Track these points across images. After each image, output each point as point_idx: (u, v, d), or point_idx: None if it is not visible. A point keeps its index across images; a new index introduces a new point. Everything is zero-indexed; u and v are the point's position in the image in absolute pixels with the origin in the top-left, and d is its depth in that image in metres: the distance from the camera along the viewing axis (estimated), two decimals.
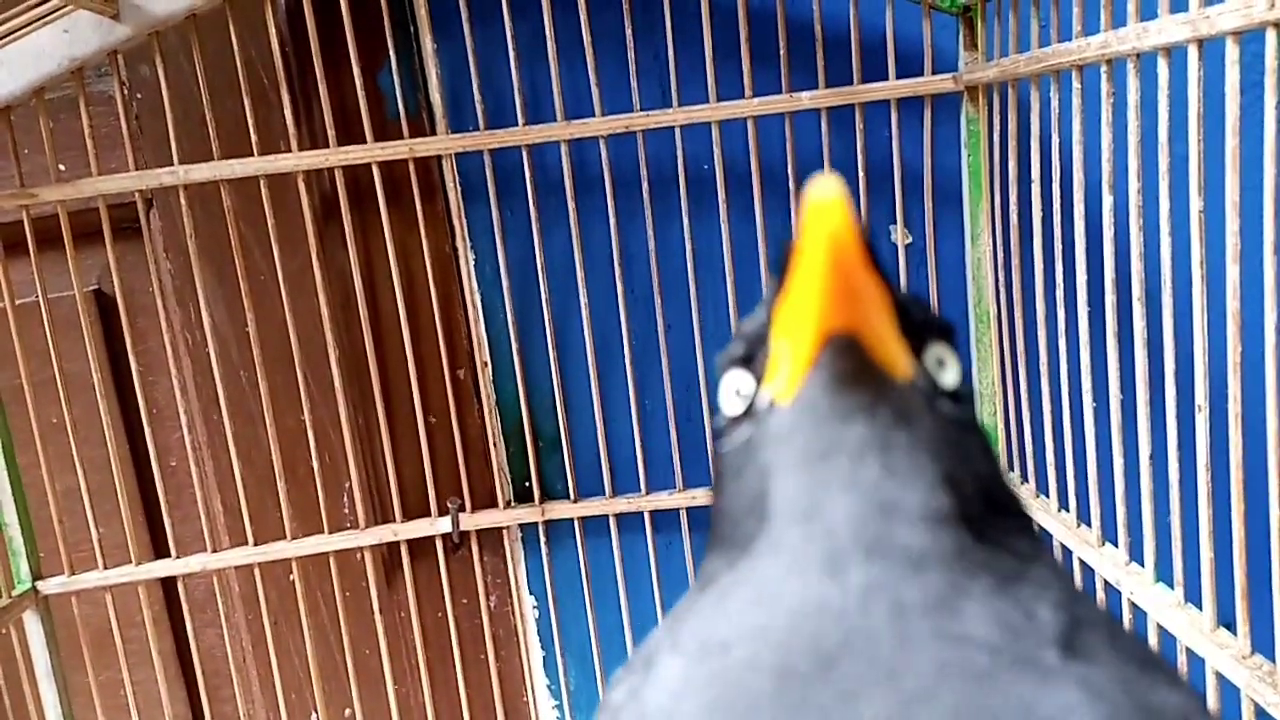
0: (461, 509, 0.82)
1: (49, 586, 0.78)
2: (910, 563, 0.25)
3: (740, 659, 0.25)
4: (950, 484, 0.26)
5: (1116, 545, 0.61)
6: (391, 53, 0.79)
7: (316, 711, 0.83)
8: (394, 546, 0.83)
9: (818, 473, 0.26)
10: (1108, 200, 0.57)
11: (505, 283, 0.81)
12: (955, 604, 0.25)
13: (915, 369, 0.27)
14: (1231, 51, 0.45)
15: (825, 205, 0.25)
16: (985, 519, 0.26)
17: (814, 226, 0.24)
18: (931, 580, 0.25)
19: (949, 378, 0.29)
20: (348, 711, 0.85)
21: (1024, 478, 0.75)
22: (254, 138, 0.75)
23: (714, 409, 0.31)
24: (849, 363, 0.26)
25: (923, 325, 0.29)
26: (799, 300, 0.26)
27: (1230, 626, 0.51)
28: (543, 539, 0.85)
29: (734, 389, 0.30)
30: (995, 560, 0.26)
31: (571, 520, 0.84)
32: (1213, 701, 0.52)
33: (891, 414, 0.26)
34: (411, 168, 0.78)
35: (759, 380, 0.29)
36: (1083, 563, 0.64)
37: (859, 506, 0.25)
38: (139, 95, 0.81)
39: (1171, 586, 0.56)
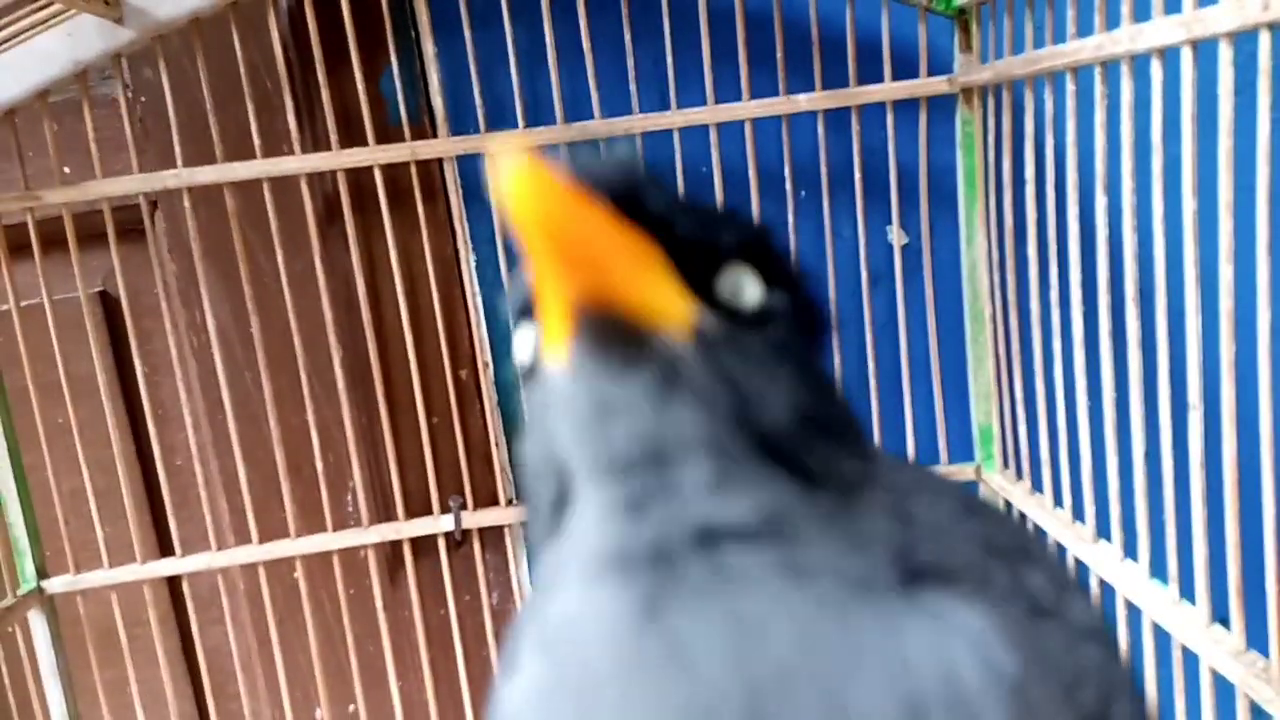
0: (464, 507, 0.82)
1: (54, 586, 0.78)
2: (701, 512, 0.25)
3: (577, 657, 0.25)
4: (741, 422, 0.25)
5: (1110, 541, 0.61)
6: (393, 56, 0.78)
7: (320, 707, 0.83)
8: (397, 545, 0.82)
9: (594, 438, 0.25)
10: (1102, 201, 0.57)
11: (506, 284, 0.81)
12: (764, 539, 0.25)
13: (694, 307, 0.26)
14: (1225, 53, 0.45)
15: (524, 179, 0.23)
16: (805, 447, 0.26)
17: (520, 201, 0.23)
18: (731, 522, 0.25)
19: (747, 299, 0.27)
20: (351, 708, 0.85)
21: (1019, 474, 0.75)
22: (257, 141, 0.75)
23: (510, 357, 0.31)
24: (601, 326, 0.25)
25: (713, 249, 0.27)
26: (538, 271, 0.25)
27: (1225, 623, 0.51)
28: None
29: (523, 340, 0.29)
30: (811, 489, 0.26)
31: None
32: (1208, 699, 0.52)
33: (654, 368, 0.25)
34: (413, 170, 0.77)
35: (539, 333, 0.28)
36: (1078, 559, 0.64)
37: (640, 454, 0.25)
38: (143, 98, 0.80)
39: (1166, 583, 0.56)
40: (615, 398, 0.25)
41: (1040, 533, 0.70)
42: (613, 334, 0.25)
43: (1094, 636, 0.28)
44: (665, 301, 0.26)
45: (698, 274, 0.27)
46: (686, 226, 0.27)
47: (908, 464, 0.33)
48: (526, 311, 0.29)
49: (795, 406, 0.26)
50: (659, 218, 0.26)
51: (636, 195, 0.26)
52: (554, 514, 0.27)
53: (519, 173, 0.23)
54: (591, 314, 0.25)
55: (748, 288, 0.27)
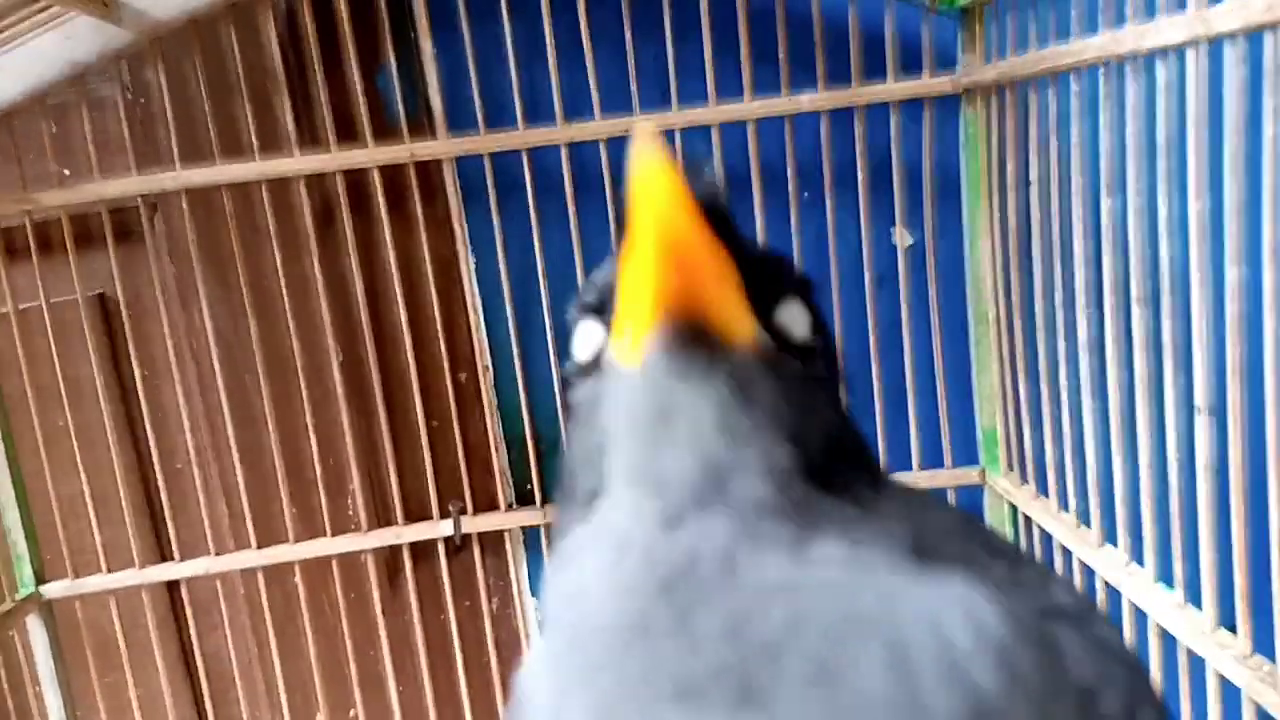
0: (463, 512, 0.82)
1: (52, 591, 0.78)
2: (746, 514, 0.26)
3: (589, 623, 0.27)
4: (789, 440, 0.27)
5: (1116, 546, 0.60)
6: (391, 55, 0.78)
7: (321, 713, 0.83)
8: (396, 549, 0.82)
9: (654, 436, 0.27)
10: (1107, 202, 0.57)
11: (506, 286, 0.80)
12: (795, 546, 0.26)
13: (758, 330, 0.28)
14: (1231, 53, 0.45)
15: (653, 174, 0.25)
16: (831, 469, 0.28)
17: (645, 197, 0.25)
18: (767, 527, 0.26)
19: (798, 333, 0.29)
20: (352, 713, 0.85)
21: (1024, 479, 0.75)
22: (254, 141, 0.75)
23: (566, 354, 0.31)
24: (684, 331, 0.26)
25: (774, 283, 0.29)
26: (637, 269, 0.26)
27: (1231, 628, 0.50)
28: (544, 541, 0.85)
29: (586, 337, 0.31)
30: (838, 507, 0.27)
31: None
32: (1214, 703, 0.52)
33: (727, 378, 0.26)
34: (412, 171, 0.77)
35: (608, 332, 0.29)
36: (1083, 564, 0.64)
37: (694, 465, 0.26)
38: (140, 100, 0.80)
39: (1172, 587, 0.55)
40: (682, 402, 0.26)
41: (1045, 538, 0.70)
42: (693, 340, 0.26)
43: (1119, 653, 0.29)
44: (741, 320, 0.27)
45: (762, 301, 0.29)
46: (756, 256, 0.29)
47: (916, 491, 0.35)
48: (596, 309, 0.30)
49: (830, 433, 0.28)
50: (737, 243, 0.28)
51: (723, 219, 0.28)
52: (588, 503, 0.29)
53: (653, 164, 0.25)
54: (677, 318, 0.26)
55: (800, 322, 0.30)
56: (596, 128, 0.76)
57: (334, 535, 0.81)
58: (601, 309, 0.30)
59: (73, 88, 0.72)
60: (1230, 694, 0.51)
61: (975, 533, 0.31)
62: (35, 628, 0.77)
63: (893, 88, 0.76)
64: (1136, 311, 0.55)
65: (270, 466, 0.79)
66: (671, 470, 0.26)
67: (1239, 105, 0.45)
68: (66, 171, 0.76)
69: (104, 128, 0.76)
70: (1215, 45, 0.46)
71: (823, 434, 0.28)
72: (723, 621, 0.25)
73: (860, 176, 0.77)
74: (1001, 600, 0.26)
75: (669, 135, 0.77)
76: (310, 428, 0.79)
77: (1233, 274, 0.46)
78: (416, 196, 0.77)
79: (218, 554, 0.80)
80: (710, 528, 0.26)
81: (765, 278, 0.29)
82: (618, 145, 0.78)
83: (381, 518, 0.84)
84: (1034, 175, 0.67)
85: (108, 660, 0.79)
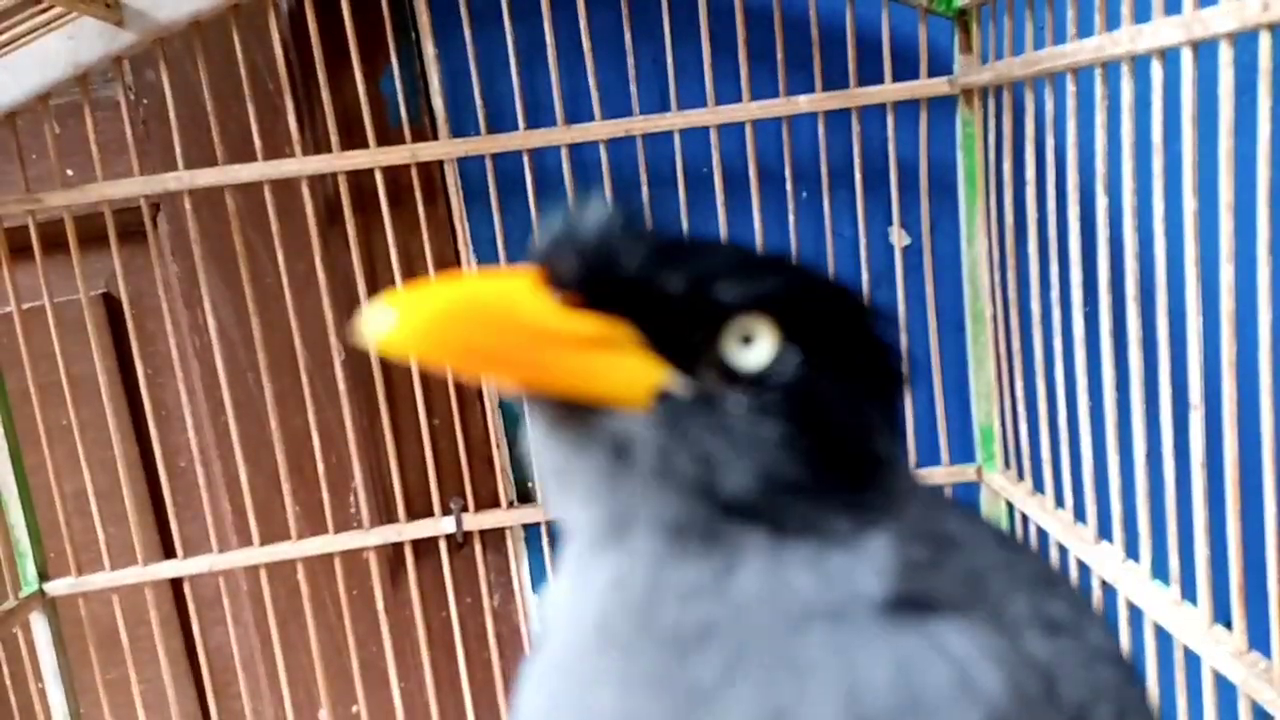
0: (465, 509, 0.82)
1: (56, 588, 0.78)
2: (647, 561, 0.27)
3: (551, 656, 0.29)
4: (700, 489, 0.26)
5: (1112, 542, 0.61)
6: (393, 58, 0.78)
7: (324, 708, 0.83)
8: (399, 546, 0.82)
9: (561, 494, 0.29)
10: (1102, 201, 0.57)
11: None
12: (695, 592, 0.27)
13: (663, 376, 0.26)
14: (1225, 53, 0.45)
15: (396, 325, 0.25)
16: (777, 504, 0.27)
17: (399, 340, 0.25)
18: (668, 574, 0.27)
19: (750, 360, 0.27)
20: (354, 708, 0.85)
21: (1020, 475, 0.75)
22: (258, 143, 0.75)
23: None
24: (550, 408, 0.27)
25: (710, 307, 0.26)
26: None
27: (1227, 624, 0.51)
28: (545, 539, 0.85)
29: None
30: (777, 542, 0.27)
31: None
32: (1209, 699, 0.52)
33: (605, 446, 0.27)
34: (414, 172, 0.77)
35: None
36: (1080, 561, 0.64)
37: (591, 520, 0.28)
38: (144, 101, 0.80)
39: (1167, 583, 0.55)
40: (572, 470, 0.27)
41: (1041, 535, 0.70)
42: (561, 414, 0.27)
43: (1111, 658, 0.29)
44: (617, 378, 0.26)
45: (685, 335, 0.26)
46: (677, 284, 0.26)
47: (943, 499, 0.34)
48: None
49: (772, 466, 0.26)
50: (635, 282, 0.26)
51: (605, 262, 0.26)
52: None
53: (390, 321, 0.25)
54: (538, 398, 0.27)
55: (757, 344, 0.27)
56: (597, 129, 0.77)
57: (337, 532, 0.81)
58: None
59: (77, 89, 0.73)
60: (1226, 690, 0.51)
61: (1003, 555, 0.30)
62: (39, 625, 0.77)
63: (889, 89, 0.76)
64: (1131, 309, 0.55)
65: (273, 463, 0.79)
66: (578, 522, 0.28)
67: (1232, 106, 0.45)
68: (70, 172, 0.76)
69: (108, 128, 0.76)
70: (1209, 46, 0.46)
71: (761, 469, 0.26)
72: (645, 668, 0.26)
73: (857, 177, 0.77)
74: (1004, 654, 0.26)
75: (668, 137, 0.77)
76: (313, 425, 0.79)
77: (1226, 272, 0.46)
78: (419, 197, 0.78)
79: (222, 551, 0.80)
80: (616, 576, 0.27)
81: (698, 306, 0.26)
82: (618, 147, 0.78)
83: (384, 515, 0.84)
84: (1029, 175, 0.67)
85: (111, 656, 0.80)
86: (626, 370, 0.26)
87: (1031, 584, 0.29)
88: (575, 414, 0.26)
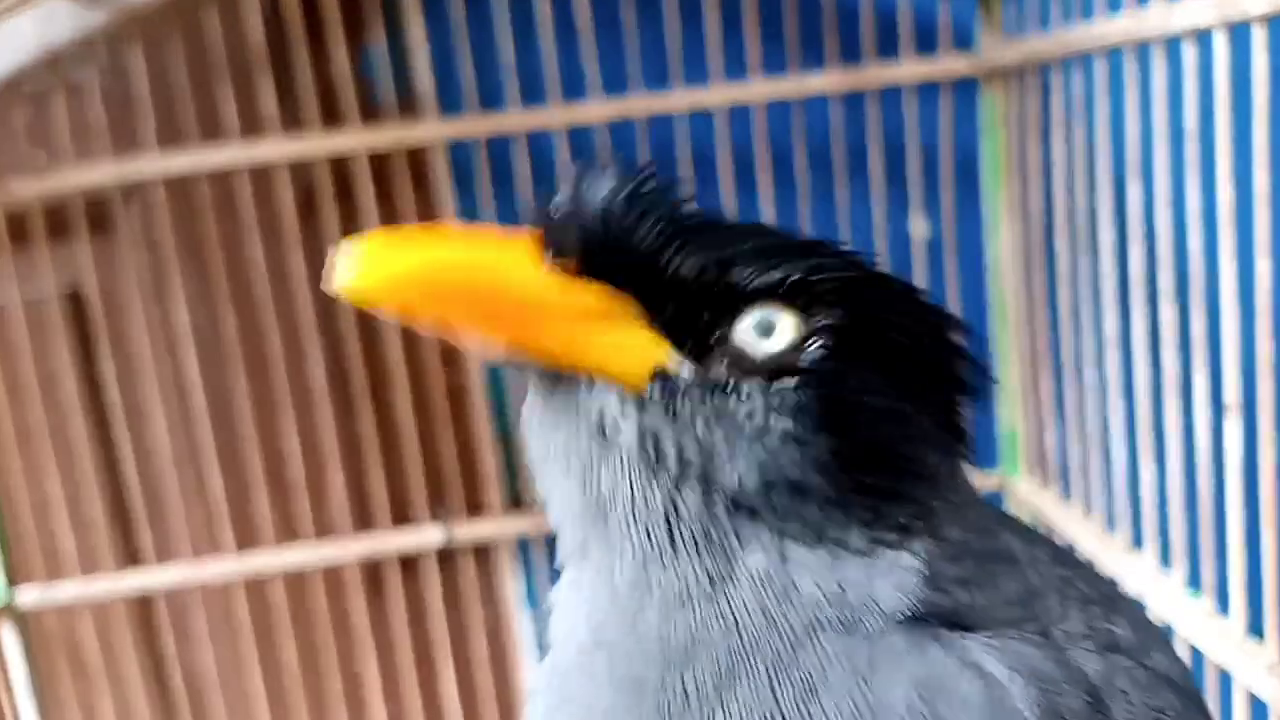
0: (453, 517, 0.82)
1: (25, 597, 0.79)
2: (636, 563, 0.28)
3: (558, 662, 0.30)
4: (697, 482, 0.27)
5: (1144, 551, 0.61)
6: (379, 33, 0.78)
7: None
8: (381, 555, 0.83)
9: (542, 475, 0.30)
10: (1135, 191, 0.57)
11: None
12: (684, 599, 0.27)
13: (664, 359, 0.27)
14: (1259, 36, 0.45)
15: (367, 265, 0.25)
16: (782, 507, 0.27)
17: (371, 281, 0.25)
18: (660, 574, 0.27)
19: (764, 348, 0.27)
20: None
21: (1046, 482, 0.75)
22: (237, 124, 0.75)
23: None
24: (541, 378, 0.27)
25: (726, 291, 0.27)
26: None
27: (1259, 635, 0.51)
28: (535, 550, 0.85)
29: None
30: (774, 546, 0.27)
31: None
32: (1241, 712, 0.53)
33: (591, 425, 0.27)
34: (401, 157, 0.77)
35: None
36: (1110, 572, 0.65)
37: (570, 514, 0.29)
38: (117, 83, 0.81)
39: (1199, 593, 0.56)
40: (553, 449, 0.28)
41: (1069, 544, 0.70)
42: (548, 385, 0.27)
43: (1174, 683, 0.29)
44: (611, 351, 0.26)
45: (696, 318, 0.27)
46: (692, 266, 0.27)
47: (1002, 515, 0.35)
48: None
49: (779, 464, 0.27)
50: (645, 256, 0.26)
51: (612, 233, 0.26)
52: None
53: (363, 260, 0.25)
54: (529, 365, 0.27)
55: (776, 334, 0.27)
56: (595, 111, 0.76)
57: (316, 538, 0.81)
58: None
59: (49, 72, 0.73)
60: (1258, 704, 0.51)
61: (1057, 572, 0.30)
62: (8, 636, 0.78)
63: (908, 70, 0.76)
64: (1165, 305, 0.55)
65: (250, 468, 0.80)
66: (558, 515, 0.30)
67: (1267, 91, 0.45)
68: (43, 159, 0.77)
69: (80, 114, 0.76)
70: (1243, 28, 0.47)
71: (763, 469, 0.26)
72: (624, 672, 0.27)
73: (874, 161, 0.77)
74: (1015, 656, 0.26)
75: (668, 120, 0.77)
76: (292, 428, 0.79)
77: (1263, 266, 0.47)
78: (406, 183, 0.78)
79: (195, 558, 0.81)
80: (602, 571, 0.28)
81: (713, 289, 0.27)
82: (618, 129, 0.78)
83: (366, 522, 0.85)
84: (1056, 162, 0.67)
85: (82, 667, 0.80)
86: (623, 345, 0.26)
87: (1089, 603, 0.29)
88: (561, 385, 0.27)
